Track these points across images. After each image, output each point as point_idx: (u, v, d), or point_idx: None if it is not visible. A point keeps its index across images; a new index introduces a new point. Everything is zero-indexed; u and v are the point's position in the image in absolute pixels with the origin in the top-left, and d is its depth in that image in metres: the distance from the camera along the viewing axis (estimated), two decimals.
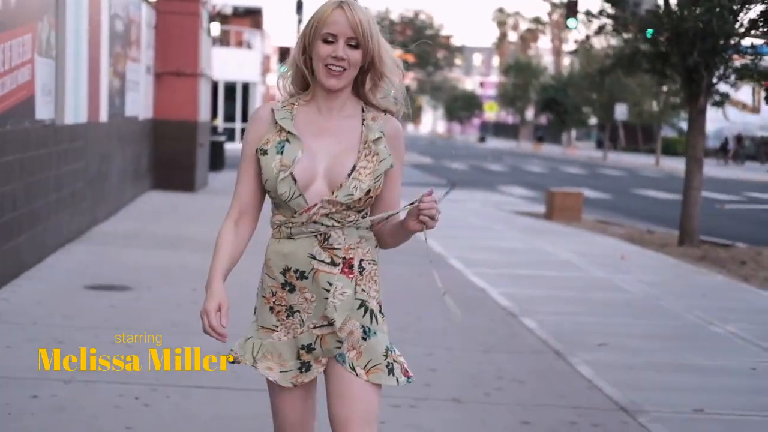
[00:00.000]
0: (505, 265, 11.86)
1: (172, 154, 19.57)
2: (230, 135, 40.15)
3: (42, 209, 9.68)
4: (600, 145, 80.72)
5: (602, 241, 15.41)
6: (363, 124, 3.12)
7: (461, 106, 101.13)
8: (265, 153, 3.06)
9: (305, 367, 3.13)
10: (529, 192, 28.76)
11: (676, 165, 52.99)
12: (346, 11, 3.00)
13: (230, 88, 48.58)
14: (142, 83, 17.62)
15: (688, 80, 14.35)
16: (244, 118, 45.80)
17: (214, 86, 47.16)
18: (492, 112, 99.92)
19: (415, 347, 7.11)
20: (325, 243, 3.06)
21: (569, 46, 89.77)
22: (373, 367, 3.09)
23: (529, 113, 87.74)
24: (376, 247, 3.20)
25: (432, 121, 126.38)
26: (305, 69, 3.10)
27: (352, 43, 3.02)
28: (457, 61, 62.33)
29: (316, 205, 3.03)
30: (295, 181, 3.02)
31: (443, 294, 3.25)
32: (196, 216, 15.44)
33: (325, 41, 3.02)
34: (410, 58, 54.42)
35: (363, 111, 3.14)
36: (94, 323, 7.25)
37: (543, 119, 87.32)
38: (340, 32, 3.01)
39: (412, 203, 3.07)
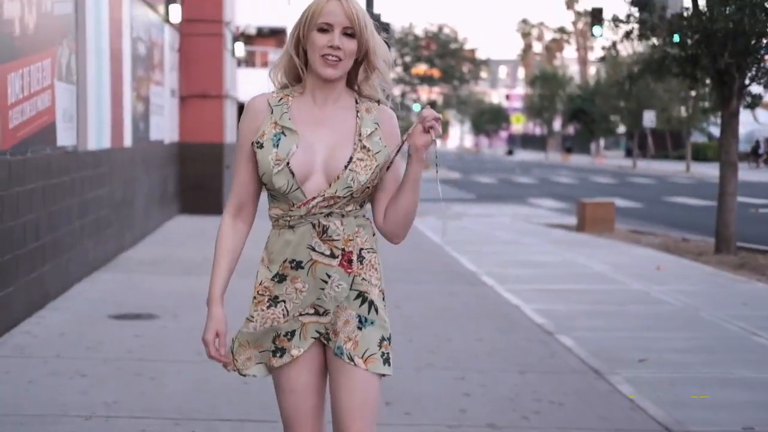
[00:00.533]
0: (538, 280, 11.60)
1: (199, 177, 19.47)
2: None
3: (66, 237, 9.55)
4: (629, 153, 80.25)
5: (636, 251, 15.11)
6: (357, 115, 3.12)
7: (488, 120, 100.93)
8: (261, 146, 3.06)
9: (280, 352, 3.12)
10: (559, 204, 28.45)
11: (707, 170, 52.57)
12: (342, 2, 3.03)
13: None
14: (167, 106, 17.53)
15: (720, 83, 14.05)
16: None
17: (241, 107, 47.31)
18: (519, 125, 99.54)
19: (446, 371, 6.88)
20: (324, 235, 3.06)
21: (595, 54, 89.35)
22: (370, 356, 3.09)
23: (557, 124, 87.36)
24: (374, 234, 3.18)
25: (459, 136, 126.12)
26: (297, 60, 3.11)
27: (348, 32, 3.04)
28: (483, 74, 62.00)
29: (314, 198, 3.04)
30: (292, 174, 3.02)
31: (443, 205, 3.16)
32: None
33: (321, 31, 3.03)
34: (436, 73, 54.27)
35: (357, 102, 3.15)
36: (118, 354, 7.07)
37: (570, 129, 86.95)
38: (336, 22, 3.02)
39: (403, 141, 3.11)
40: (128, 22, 13.34)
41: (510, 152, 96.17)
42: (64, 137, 9.49)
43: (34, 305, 8.40)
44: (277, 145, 3.04)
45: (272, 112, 3.10)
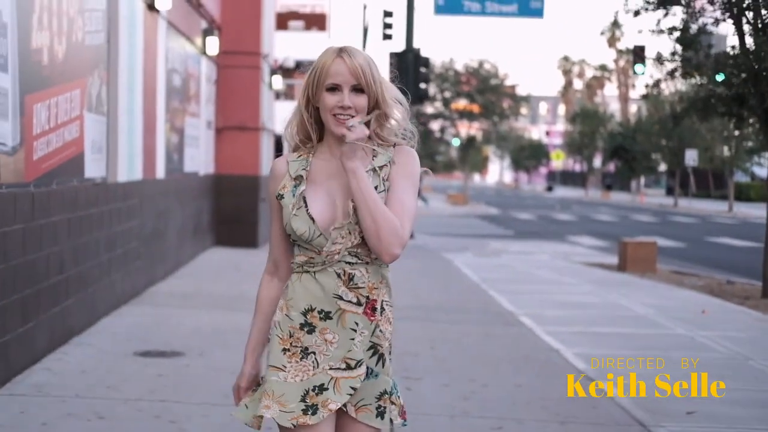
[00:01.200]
0: (578, 322, 11.21)
1: (235, 210, 19.27)
2: None
3: (92, 271, 9.31)
4: (670, 191, 79.50)
5: (680, 294, 14.66)
6: (373, 159, 3.15)
7: (528, 156, 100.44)
8: (282, 197, 3.14)
9: (311, 410, 3.07)
10: (598, 242, 27.99)
11: (750, 211, 51.89)
12: (346, 59, 3.06)
13: None
14: (203, 138, 17.36)
15: (767, 122, 13.64)
16: None
17: (279, 140, 47.24)
18: (559, 161, 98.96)
19: (482, 420, 6.52)
20: (351, 282, 3.08)
21: (636, 92, 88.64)
22: (362, 406, 3.11)
23: (597, 161, 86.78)
24: (390, 289, 3.20)
25: (498, 171, 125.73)
26: (308, 117, 3.17)
27: (357, 88, 3.07)
28: (523, 110, 61.62)
29: (335, 243, 3.07)
30: (312, 220, 3.07)
31: None
32: (257, 273, 14.81)
33: (330, 90, 3.07)
34: (476, 109, 54.00)
35: (374, 149, 3.16)
36: (140, 394, 6.77)
37: (611, 167, 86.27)
38: (343, 81, 3.06)
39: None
40: (163, 54, 13.18)
41: (549, 188, 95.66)
42: (93, 169, 9.28)
43: (56, 341, 8.14)
44: (294, 195, 3.12)
45: (289, 168, 3.17)
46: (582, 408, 7.01)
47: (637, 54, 36.86)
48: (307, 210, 3.08)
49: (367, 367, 3.10)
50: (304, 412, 3.06)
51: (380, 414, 3.12)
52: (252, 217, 19.55)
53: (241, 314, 10.41)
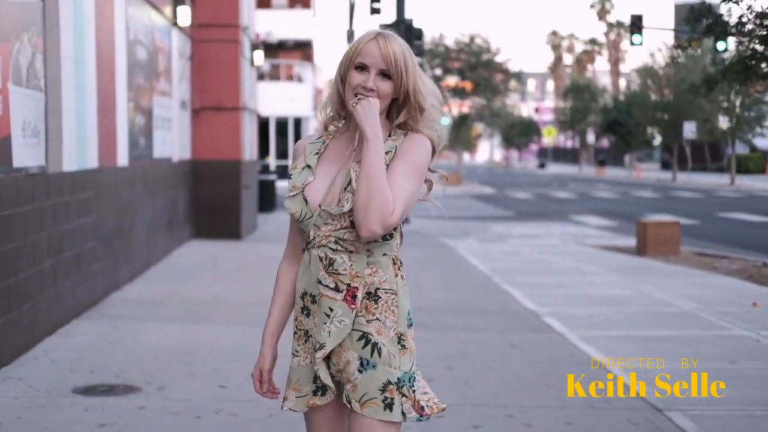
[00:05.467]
0: (616, 323, 9.51)
1: (214, 199, 17.49)
2: (282, 173, 38.00)
3: (29, 282, 7.56)
4: (665, 165, 77.94)
5: (717, 281, 12.97)
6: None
7: (519, 133, 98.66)
8: (290, 177, 3.14)
9: (321, 390, 3.07)
10: (606, 221, 26.31)
11: (753, 183, 50.28)
12: (380, 43, 3.04)
13: (282, 124, 46.72)
14: (176, 120, 15.57)
15: None
16: None
17: (265, 123, 45.42)
18: (550, 137, 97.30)
19: None
20: (330, 267, 3.02)
21: (627, 65, 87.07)
22: (367, 401, 2.99)
23: (590, 136, 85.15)
24: (398, 277, 3.07)
25: (489, 149, 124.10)
26: (341, 92, 3.11)
27: (385, 73, 3.04)
28: (512, 84, 59.76)
29: (313, 215, 3.06)
30: (306, 201, 3.06)
31: None
32: (240, 270, 13.28)
33: (357, 69, 3.05)
34: (468, 86, 52.20)
35: (390, 135, 3.11)
36: None
37: (604, 142, 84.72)
38: (372, 63, 3.04)
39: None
40: (122, 21, 11.40)
41: (542, 165, 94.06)
42: (25, 156, 7.50)
43: None
44: (299, 177, 3.11)
45: (306, 150, 3.17)
46: None
47: (635, 24, 35.27)
48: (303, 191, 3.07)
49: (361, 358, 3.00)
50: (314, 393, 3.08)
51: (388, 406, 2.97)
52: (234, 206, 17.78)
53: (215, 327, 8.68)
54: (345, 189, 3.00)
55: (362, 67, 3.04)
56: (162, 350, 7.68)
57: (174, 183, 15.29)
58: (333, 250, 3.01)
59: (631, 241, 18.73)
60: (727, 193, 42.99)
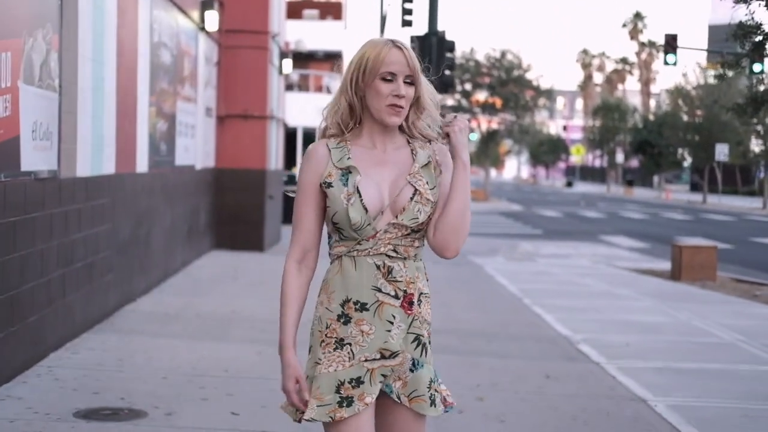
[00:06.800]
0: (655, 353, 8.97)
1: (238, 208, 17.05)
2: None
3: (35, 293, 7.11)
4: (694, 187, 77.01)
5: (759, 311, 12.39)
6: (413, 153, 3.16)
7: (547, 150, 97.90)
8: (330, 185, 3.08)
9: (346, 402, 3.02)
10: (637, 243, 25.70)
11: None
12: (404, 50, 3.09)
13: (309, 135, 46.29)
14: (200, 127, 15.16)
15: None
16: None
17: (293, 133, 45.00)
18: (578, 156, 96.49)
19: None
20: (389, 275, 3.05)
21: (658, 85, 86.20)
22: (416, 396, 3.08)
23: (619, 156, 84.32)
24: (428, 280, 3.19)
25: (516, 166, 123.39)
26: (358, 105, 3.13)
27: (408, 81, 3.10)
28: (541, 101, 59.08)
29: (383, 231, 3.05)
30: (366, 210, 3.04)
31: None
32: (260, 283, 12.81)
33: (384, 80, 3.07)
34: (498, 103, 51.65)
35: (409, 142, 3.19)
36: None
37: (633, 161, 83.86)
38: (399, 71, 3.07)
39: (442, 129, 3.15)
40: (147, 22, 10.98)
41: (569, 184, 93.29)
42: (34, 159, 7.06)
43: None
44: (347, 183, 3.07)
45: (332, 156, 3.12)
46: None
47: (669, 43, 34.67)
48: (362, 200, 3.04)
49: (413, 359, 3.08)
50: (339, 404, 3.02)
51: (433, 402, 3.09)
52: (257, 217, 17.34)
53: (230, 346, 8.20)
54: (412, 200, 3.06)
55: (389, 78, 3.07)
56: (173, 370, 7.20)
57: (196, 191, 14.86)
58: (390, 257, 3.06)
59: (665, 265, 18.17)
60: (760, 218, 42.23)
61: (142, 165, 10.88)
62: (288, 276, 3.14)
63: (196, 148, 14.85)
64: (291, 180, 28.61)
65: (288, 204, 24.55)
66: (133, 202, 10.42)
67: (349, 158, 3.10)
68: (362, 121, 3.15)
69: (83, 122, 8.36)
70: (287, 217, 24.01)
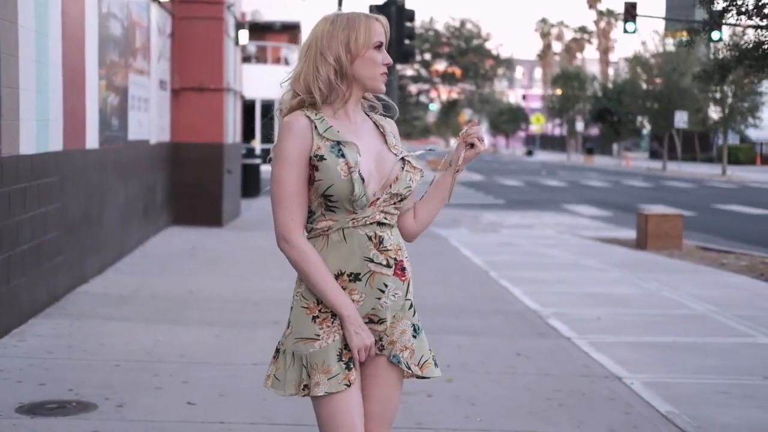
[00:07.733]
0: (627, 327, 8.72)
1: (195, 184, 16.60)
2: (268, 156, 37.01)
3: None
4: (653, 154, 77.27)
5: (727, 279, 12.20)
6: (376, 125, 3.21)
7: (506, 120, 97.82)
8: (322, 158, 3.04)
9: (348, 366, 3.07)
10: (600, 211, 25.55)
11: (745, 174, 49.65)
12: (382, 21, 3.15)
13: (268, 107, 45.74)
14: (154, 100, 14.69)
15: None
16: None
17: (252, 105, 44.42)
18: (538, 125, 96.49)
19: None
20: (381, 245, 3.07)
21: (616, 54, 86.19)
22: (425, 362, 3.14)
23: (578, 124, 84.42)
24: None
25: None
26: (341, 73, 3.11)
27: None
28: (501, 70, 58.88)
29: (378, 198, 3.07)
30: (363, 180, 3.04)
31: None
32: (218, 260, 12.43)
33: (376, 48, 3.13)
34: (458, 72, 51.34)
35: (365, 113, 3.23)
36: None
37: (593, 130, 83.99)
38: (383, 41, 3.15)
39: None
40: None
41: (530, 153, 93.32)
42: None
43: None
44: (343, 155, 3.04)
45: (315, 127, 3.09)
46: None
47: (628, 11, 34.45)
48: (360, 172, 3.04)
49: (413, 325, 3.15)
50: (347, 368, 3.05)
51: (436, 363, 3.19)
52: (216, 192, 16.92)
53: (187, 329, 7.84)
54: (403, 169, 3.12)
55: (379, 47, 3.13)
56: (126, 357, 6.83)
57: (151, 167, 14.41)
58: (381, 225, 3.08)
59: (630, 233, 17.98)
60: (720, 184, 42.35)
61: (92, 141, 10.43)
62: (309, 252, 3.05)
63: (150, 123, 14.40)
64: (249, 153, 28.15)
65: (247, 177, 24.06)
66: (83, 179, 9.99)
67: (337, 131, 3.08)
68: (345, 90, 3.14)
69: (26, 97, 7.92)
70: (247, 191, 23.59)
